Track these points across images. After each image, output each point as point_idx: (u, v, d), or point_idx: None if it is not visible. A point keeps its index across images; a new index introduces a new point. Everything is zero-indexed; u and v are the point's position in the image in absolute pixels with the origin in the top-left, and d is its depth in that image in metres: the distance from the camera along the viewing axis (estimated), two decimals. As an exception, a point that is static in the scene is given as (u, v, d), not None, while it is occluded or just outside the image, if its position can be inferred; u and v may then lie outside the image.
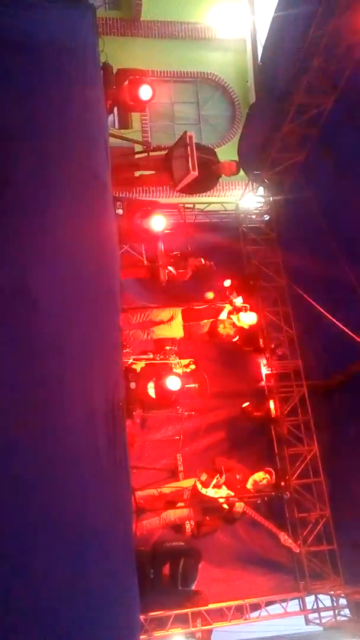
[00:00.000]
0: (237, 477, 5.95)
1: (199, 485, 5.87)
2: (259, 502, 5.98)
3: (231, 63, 10.88)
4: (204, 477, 5.90)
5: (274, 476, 6.04)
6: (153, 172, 6.62)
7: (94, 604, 3.19)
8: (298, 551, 6.45)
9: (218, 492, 5.81)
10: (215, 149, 7.58)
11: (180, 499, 5.95)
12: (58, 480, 3.13)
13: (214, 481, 5.84)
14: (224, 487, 5.85)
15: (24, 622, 2.95)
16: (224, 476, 5.87)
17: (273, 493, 6.03)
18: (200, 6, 10.68)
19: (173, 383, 5.32)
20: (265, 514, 6.25)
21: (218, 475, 5.88)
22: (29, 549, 2.98)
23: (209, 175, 6.60)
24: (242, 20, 10.56)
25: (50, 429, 3.09)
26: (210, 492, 5.81)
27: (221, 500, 5.75)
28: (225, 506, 5.78)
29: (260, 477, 6.00)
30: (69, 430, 3.19)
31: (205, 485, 5.85)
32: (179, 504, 5.91)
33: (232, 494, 5.78)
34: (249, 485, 5.96)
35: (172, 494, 6.02)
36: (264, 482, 5.97)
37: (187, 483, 6.12)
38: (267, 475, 6.01)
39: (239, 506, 5.80)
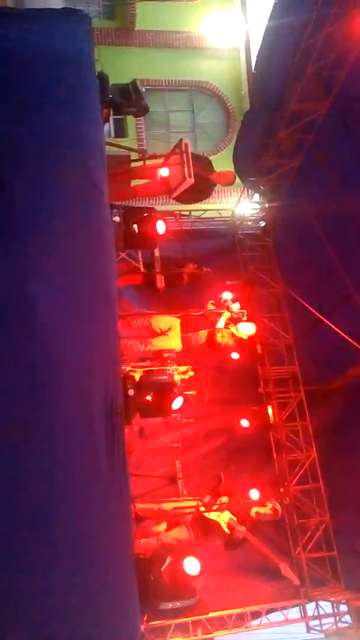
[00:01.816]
0: (241, 502, 5.89)
1: (202, 508, 5.83)
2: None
3: (225, 71, 10.99)
4: (207, 499, 5.86)
5: (278, 507, 5.95)
6: (149, 180, 6.64)
7: (93, 615, 3.17)
8: (297, 584, 6.37)
9: (221, 516, 5.75)
10: (210, 157, 7.63)
11: (181, 520, 5.87)
12: (56, 487, 3.12)
13: (217, 504, 5.79)
14: (226, 511, 5.79)
15: (21, 634, 2.93)
16: (227, 498, 5.80)
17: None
18: (194, 16, 10.80)
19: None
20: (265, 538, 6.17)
21: (221, 499, 5.81)
22: (25, 557, 2.96)
23: (204, 184, 6.63)
24: (235, 29, 10.68)
25: (49, 436, 3.09)
26: (213, 515, 5.75)
27: (223, 525, 5.69)
28: (226, 530, 5.70)
29: (265, 510, 5.91)
30: (67, 438, 3.18)
31: (208, 507, 5.81)
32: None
33: (235, 518, 5.71)
34: (252, 514, 5.88)
35: (173, 515, 5.94)
36: (270, 512, 5.88)
37: (189, 503, 6.05)
38: (271, 511, 5.91)
39: (241, 532, 5.72)
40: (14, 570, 2.92)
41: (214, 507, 5.73)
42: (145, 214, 5.72)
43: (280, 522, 6.56)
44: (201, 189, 6.59)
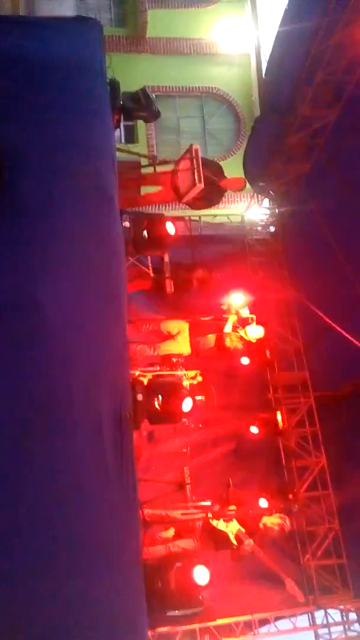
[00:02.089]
0: (250, 512, 5.85)
1: (210, 516, 5.80)
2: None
3: (236, 77, 11.01)
4: (216, 507, 5.83)
5: (287, 522, 5.89)
6: (159, 187, 6.66)
7: (100, 625, 3.14)
8: (302, 601, 6.31)
9: (229, 526, 5.72)
10: (220, 162, 7.65)
11: (190, 529, 5.85)
12: (64, 492, 3.12)
13: (226, 513, 5.76)
14: (235, 520, 5.76)
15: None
16: (234, 507, 5.77)
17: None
18: (205, 22, 10.85)
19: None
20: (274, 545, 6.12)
21: (230, 508, 5.79)
22: (28, 564, 2.93)
23: (215, 190, 6.63)
24: (246, 35, 10.71)
25: (57, 439, 3.09)
26: (221, 524, 5.73)
27: (231, 536, 5.66)
28: (234, 542, 5.67)
29: (273, 522, 5.84)
30: (76, 441, 3.18)
31: (217, 516, 5.77)
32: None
33: (243, 530, 5.68)
34: (261, 525, 5.83)
35: (182, 522, 5.92)
36: (276, 528, 5.82)
37: (198, 512, 6.02)
38: (281, 522, 5.85)
39: (248, 545, 5.69)
40: (17, 578, 2.89)
41: (222, 517, 5.71)
42: (154, 219, 5.75)
43: (289, 529, 6.52)
44: (211, 195, 6.60)
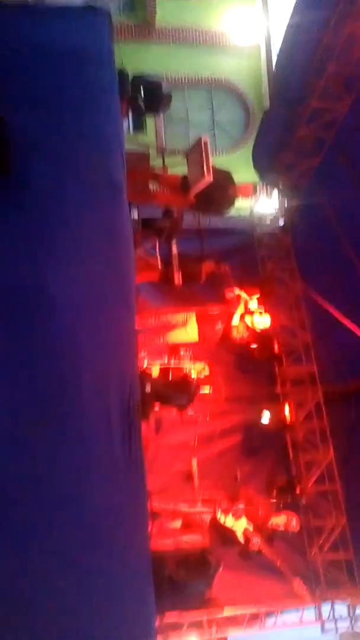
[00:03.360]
0: (260, 512, 5.86)
1: (218, 512, 5.80)
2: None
3: (245, 69, 10.92)
4: (224, 504, 5.85)
5: (294, 522, 5.91)
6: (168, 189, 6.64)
7: (107, 617, 3.14)
8: (308, 602, 6.31)
9: (237, 523, 5.74)
10: (229, 154, 7.60)
11: (199, 526, 5.87)
12: (73, 481, 3.13)
13: (234, 509, 5.78)
14: (243, 517, 5.77)
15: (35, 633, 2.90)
16: (242, 506, 5.79)
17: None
18: (214, 12, 10.74)
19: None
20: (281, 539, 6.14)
21: (239, 506, 5.81)
22: (38, 555, 2.93)
23: (225, 197, 6.57)
24: (256, 26, 10.60)
25: (66, 429, 3.10)
26: (229, 521, 5.75)
27: (238, 533, 5.68)
28: (241, 539, 5.70)
29: (280, 521, 5.87)
30: (84, 431, 3.19)
31: (225, 512, 5.79)
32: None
33: (251, 527, 5.70)
34: (269, 524, 5.85)
35: (190, 516, 5.94)
36: (282, 528, 5.85)
37: (207, 513, 6.03)
38: (288, 521, 5.87)
39: (256, 543, 5.71)
40: (27, 569, 2.89)
41: (231, 513, 5.72)
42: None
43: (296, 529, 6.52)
44: (221, 201, 6.54)
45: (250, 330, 6.55)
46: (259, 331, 6.64)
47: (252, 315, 6.61)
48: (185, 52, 10.70)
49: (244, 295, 6.77)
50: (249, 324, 6.57)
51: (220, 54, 10.83)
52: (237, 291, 6.77)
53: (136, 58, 9.19)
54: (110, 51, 4.36)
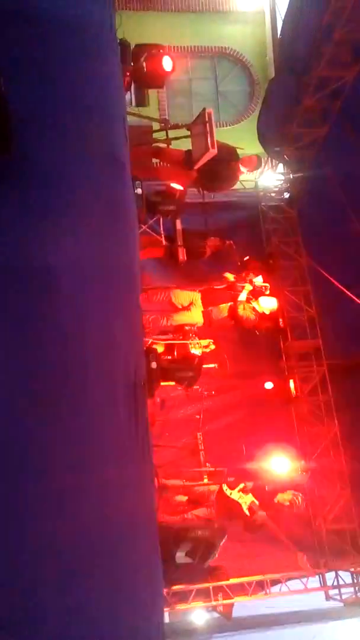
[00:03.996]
0: (266, 488, 5.93)
1: (225, 486, 5.89)
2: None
3: (249, 37, 10.64)
4: (231, 479, 5.93)
5: (299, 499, 5.97)
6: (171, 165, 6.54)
7: (117, 579, 3.18)
8: (313, 576, 6.44)
9: (243, 497, 5.83)
10: (233, 126, 7.47)
11: (206, 499, 5.96)
12: (80, 459, 3.14)
13: (241, 485, 5.86)
14: (250, 494, 5.87)
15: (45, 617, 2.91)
16: (251, 483, 5.88)
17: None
18: (217, -23, 10.43)
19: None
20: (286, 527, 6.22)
21: (246, 482, 5.89)
22: (46, 534, 2.92)
23: (230, 172, 6.47)
24: (260, -10, 10.29)
25: (71, 408, 3.11)
26: (235, 494, 5.84)
27: (244, 506, 5.77)
28: (246, 512, 5.78)
29: (286, 497, 5.94)
30: (90, 409, 3.20)
31: (232, 487, 5.87)
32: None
33: (257, 502, 5.78)
34: (275, 500, 5.93)
35: (198, 494, 6.02)
36: (287, 503, 5.92)
37: (214, 487, 6.12)
38: (294, 498, 5.94)
39: (261, 516, 5.79)
40: (36, 551, 2.89)
41: (238, 489, 5.80)
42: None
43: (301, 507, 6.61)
44: (227, 177, 6.44)
45: (259, 314, 6.55)
46: (267, 313, 6.64)
47: (259, 299, 6.59)
48: (188, 19, 10.45)
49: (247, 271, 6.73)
50: (257, 308, 6.56)
51: (224, 22, 10.56)
52: (231, 278, 6.72)
53: (138, 28, 8.95)
54: (111, 21, 4.25)
